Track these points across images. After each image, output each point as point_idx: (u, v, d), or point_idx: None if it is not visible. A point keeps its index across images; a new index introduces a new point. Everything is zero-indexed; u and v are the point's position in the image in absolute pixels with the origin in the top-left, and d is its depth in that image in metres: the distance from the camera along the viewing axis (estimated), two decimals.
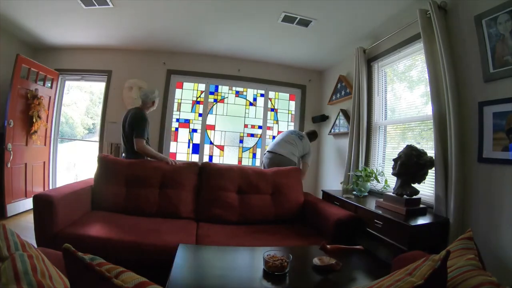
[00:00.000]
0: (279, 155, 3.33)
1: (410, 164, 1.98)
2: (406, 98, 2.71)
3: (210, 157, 4.36)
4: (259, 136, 4.50)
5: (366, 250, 1.76)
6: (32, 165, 3.71)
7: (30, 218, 2.76)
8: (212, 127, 4.39)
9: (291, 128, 4.53)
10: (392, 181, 2.40)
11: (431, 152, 2.09)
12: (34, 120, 3.57)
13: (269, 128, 4.52)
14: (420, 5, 2.22)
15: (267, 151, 3.50)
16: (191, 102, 4.36)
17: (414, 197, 2.01)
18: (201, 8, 2.87)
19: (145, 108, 2.88)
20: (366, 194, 2.72)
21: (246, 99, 4.50)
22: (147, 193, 2.46)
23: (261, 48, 3.91)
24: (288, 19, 2.93)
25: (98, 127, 4.30)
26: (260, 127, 4.51)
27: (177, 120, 4.32)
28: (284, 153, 3.36)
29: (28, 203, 3.49)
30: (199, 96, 4.38)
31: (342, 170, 3.36)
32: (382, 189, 2.64)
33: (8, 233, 0.84)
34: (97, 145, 4.16)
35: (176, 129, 4.32)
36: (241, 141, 4.46)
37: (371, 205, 2.26)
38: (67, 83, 4.40)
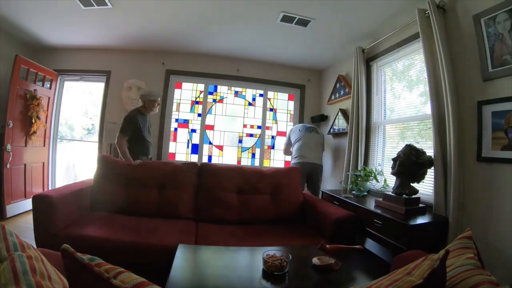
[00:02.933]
0: (312, 164, 3.39)
1: (409, 164, 1.98)
2: (405, 98, 2.72)
3: (209, 157, 4.36)
4: (258, 136, 4.50)
5: (365, 250, 1.77)
6: (31, 165, 3.71)
7: (29, 218, 2.75)
8: (211, 127, 4.39)
9: (290, 128, 4.53)
10: (392, 181, 2.41)
11: (430, 152, 2.09)
12: (33, 120, 3.57)
13: (268, 128, 4.52)
14: (419, 5, 2.23)
15: (301, 161, 3.39)
16: (190, 102, 4.36)
17: (413, 196, 2.02)
18: (200, 8, 2.87)
19: (143, 109, 3.01)
20: (366, 193, 2.72)
21: (245, 99, 4.50)
22: (146, 194, 2.45)
23: (260, 48, 3.91)
24: (287, 19, 2.93)
25: (97, 127, 4.29)
26: (259, 127, 4.51)
27: (176, 120, 4.32)
28: (316, 159, 3.45)
29: (27, 204, 3.49)
30: (198, 96, 4.37)
31: (341, 169, 3.36)
32: (382, 188, 2.64)
33: (7, 233, 0.84)
34: (96, 145, 4.15)
35: (175, 129, 4.31)
36: (240, 141, 4.46)
37: (371, 204, 2.26)
38: (66, 83, 4.39)
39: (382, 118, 2.97)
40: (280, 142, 4.54)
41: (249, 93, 4.51)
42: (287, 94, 4.62)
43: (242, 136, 4.46)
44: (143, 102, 3.00)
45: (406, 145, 2.08)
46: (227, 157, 4.42)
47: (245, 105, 4.50)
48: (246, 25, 3.20)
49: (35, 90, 3.63)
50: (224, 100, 4.44)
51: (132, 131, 2.83)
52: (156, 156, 4.14)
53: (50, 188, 4.04)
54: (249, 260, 1.63)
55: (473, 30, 1.86)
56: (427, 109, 2.28)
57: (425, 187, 2.21)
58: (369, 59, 3.13)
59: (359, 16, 2.76)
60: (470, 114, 1.89)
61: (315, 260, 1.48)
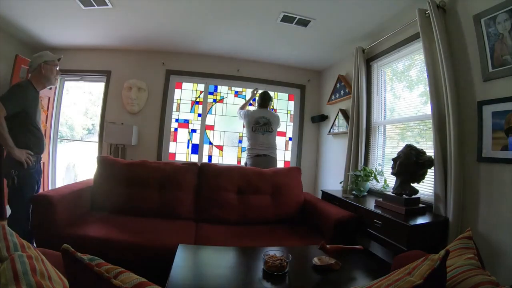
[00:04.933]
0: (266, 157, 3.37)
1: (409, 164, 1.98)
2: (405, 98, 2.71)
3: (210, 157, 4.36)
4: None
5: (365, 250, 1.77)
6: None
7: None
8: (211, 127, 4.39)
9: (290, 128, 4.54)
10: (392, 181, 2.41)
11: (430, 152, 2.09)
12: None
13: None
14: (419, 5, 2.22)
15: (256, 155, 3.37)
16: (190, 102, 4.36)
17: (414, 196, 2.02)
18: (200, 8, 2.87)
19: (36, 79, 2.15)
20: (366, 194, 2.72)
21: (245, 99, 4.49)
22: (146, 194, 2.45)
23: (260, 48, 3.90)
24: (287, 19, 2.92)
25: (97, 127, 4.29)
26: None
27: (176, 120, 4.32)
28: (273, 153, 3.44)
29: None
30: (198, 96, 4.37)
31: (341, 170, 3.36)
32: (382, 188, 2.64)
33: (7, 233, 0.84)
34: (96, 145, 4.15)
35: (176, 129, 4.31)
36: (240, 141, 4.46)
37: (371, 204, 2.26)
38: (66, 83, 4.39)
39: (382, 118, 2.97)
40: (280, 142, 4.53)
41: (249, 93, 4.50)
42: (287, 94, 4.61)
43: (242, 136, 4.46)
44: (34, 69, 2.10)
45: (406, 145, 2.08)
46: (227, 157, 4.41)
47: None
48: (246, 25, 3.20)
49: None
50: (224, 100, 4.44)
51: (18, 110, 1.96)
52: (156, 156, 4.14)
53: (50, 188, 4.04)
54: (249, 260, 1.63)
55: (473, 30, 1.86)
56: (427, 109, 2.28)
57: (425, 187, 2.21)
58: (369, 59, 3.13)
59: (359, 16, 2.76)
60: (470, 114, 1.89)
61: (315, 260, 1.48)
